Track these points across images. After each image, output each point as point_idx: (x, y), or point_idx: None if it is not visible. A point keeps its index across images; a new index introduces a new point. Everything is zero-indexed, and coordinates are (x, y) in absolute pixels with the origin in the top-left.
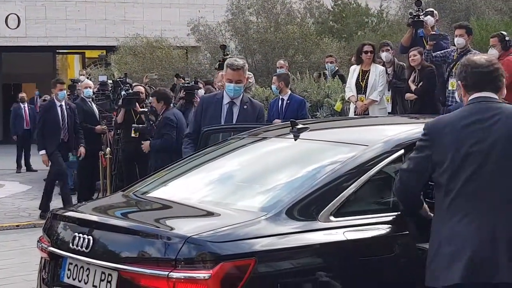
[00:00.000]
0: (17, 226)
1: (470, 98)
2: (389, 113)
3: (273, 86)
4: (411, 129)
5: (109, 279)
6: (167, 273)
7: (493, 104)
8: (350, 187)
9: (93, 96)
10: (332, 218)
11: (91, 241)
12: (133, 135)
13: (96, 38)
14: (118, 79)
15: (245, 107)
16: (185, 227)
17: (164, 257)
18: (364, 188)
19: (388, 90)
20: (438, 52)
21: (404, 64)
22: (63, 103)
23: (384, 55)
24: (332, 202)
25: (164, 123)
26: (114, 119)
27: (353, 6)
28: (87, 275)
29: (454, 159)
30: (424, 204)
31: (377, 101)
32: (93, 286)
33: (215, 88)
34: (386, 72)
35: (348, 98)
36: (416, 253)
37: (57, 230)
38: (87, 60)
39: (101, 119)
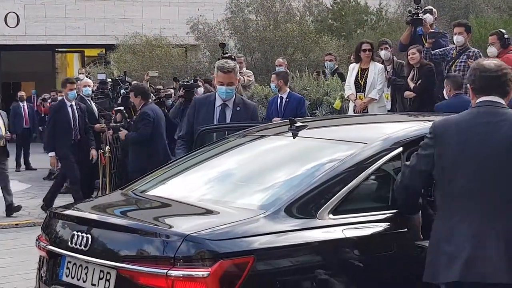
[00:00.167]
0: (16, 225)
1: (477, 101)
2: (388, 110)
3: (272, 84)
4: (409, 126)
5: (108, 277)
6: (165, 271)
7: (499, 109)
8: (349, 185)
9: (92, 95)
10: (330, 216)
11: (90, 240)
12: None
13: (96, 36)
14: (117, 78)
15: (238, 108)
16: (184, 225)
17: (162, 255)
18: (362, 186)
19: (388, 88)
20: (437, 50)
21: (403, 62)
22: (73, 103)
23: (382, 53)
24: (331, 200)
25: (141, 117)
26: (113, 117)
27: (352, 4)
28: (86, 274)
29: (457, 160)
30: (422, 204)
31: (376, 99)
32: (92, 284)
33: (214, 87)
34: (386, 70)
35: (347, 96)
36: (415, 251)
37: (56, 228)
38: (87, 58)
39: (100, 117)
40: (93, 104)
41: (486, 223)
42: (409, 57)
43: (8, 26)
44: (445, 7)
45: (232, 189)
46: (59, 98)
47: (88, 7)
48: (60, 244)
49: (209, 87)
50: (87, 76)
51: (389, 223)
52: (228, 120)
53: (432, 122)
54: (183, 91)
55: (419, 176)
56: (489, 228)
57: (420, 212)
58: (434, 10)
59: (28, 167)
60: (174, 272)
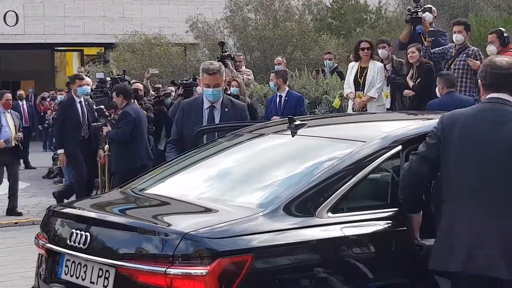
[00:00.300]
0: (15, 223)
1: (486, 97)
2: (387, 109)
3: (271, 83)
4: (408, 125)
5: (107, 275)
6: (164, 269)
7: (506, 107)
8: (348, 183)
9: (91, 93)
10: (329, 214)
11: (89, 238)
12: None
13: (95, 35)
14: (116, 76)
15: (226, 109)
16: (183, 224)
17: (161, 253)
18: (361, 184)
19: (387, 86)
20: (437, 49)
21: (403, 61)
22: (82, 99)
23: (380, 52)
24: (330, 198)
25: (122, 117)
26: (112, 116)
27: (352, 3)
28: (85, 272)
29: (459, 156)
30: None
31: (375, 98)
32: (91, 282)
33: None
34: (385, 69)
35: (346, 95)
36: (414, 249)
37: (55, 226)
38: (86, 57)
39: (99, 116)
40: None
41: (487, 221)
42: (408, 55)
43: (7, 25)
44: (444, 6)
45: (231, 187)
46: (59, 96)
47: (87, 5)
48: (59, 242)
49: None
50: (86, 75)
51: (388, 222)
52: (217, 122)
53: (441, 115)
54: (182, 89)
55: (427, 163)
56: (490, 226)
57: (421, 211)
58: (434, 8)
59: (28, 165)
60: (172, 270)
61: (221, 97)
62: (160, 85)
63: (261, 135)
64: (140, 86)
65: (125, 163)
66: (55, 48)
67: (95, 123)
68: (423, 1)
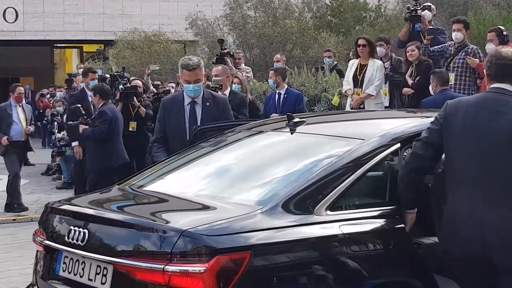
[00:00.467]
0: (14, 220)
1: (489, 87)
2: (386, 107)
3: (270, 81)
4: (407, 123)
5: (105, 272)
6: (162, 266)
7: (507, 97)
8: (346, 181)
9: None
10: (328, 211)
11: (87, 235)
12: (130, 129)
13: (94, 32)
14: (116, 73)
15: (207, 104)
16: (181, 221)
17: (159, 250)
18: (360, 182)
19: (385, 84)
20: (436, 47)
21: (402, 58)
22: (92, 93)
23: (378, 50)
24: (328, 196)
25: (99, 116)
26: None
27: (351, 0)
28: (83, 269)
29: (461, 145)
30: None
31: (373, 95)
32: (89, 279)
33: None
34: (384, 67)
35: (345, 92)
36: (412, 247)
37: (53, 223)
38: (85, 54)
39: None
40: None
41: (489, 210)
42: (408, 53)
43: (7, 22)
44: (444, 4)
45: (229, 184)
46: (58, 93)
47: (87, 2)
48: (57, 239)
49: (207, 82)
50: None
51: (386, 219)
52: (199, 117)
53: (446, 102)
54: (181, 87)
55: (430, 148)
56: (492, 215)
57: (416, 209)
58: (433, 6)
59: (26, 162)
60: (171, 268)
61: (202, 92)
62: (159, 82)
63: (260, 132)
64: (139, 83)
65: (101, 162)
66: (55, 45)
67: (71, 122)
68: None
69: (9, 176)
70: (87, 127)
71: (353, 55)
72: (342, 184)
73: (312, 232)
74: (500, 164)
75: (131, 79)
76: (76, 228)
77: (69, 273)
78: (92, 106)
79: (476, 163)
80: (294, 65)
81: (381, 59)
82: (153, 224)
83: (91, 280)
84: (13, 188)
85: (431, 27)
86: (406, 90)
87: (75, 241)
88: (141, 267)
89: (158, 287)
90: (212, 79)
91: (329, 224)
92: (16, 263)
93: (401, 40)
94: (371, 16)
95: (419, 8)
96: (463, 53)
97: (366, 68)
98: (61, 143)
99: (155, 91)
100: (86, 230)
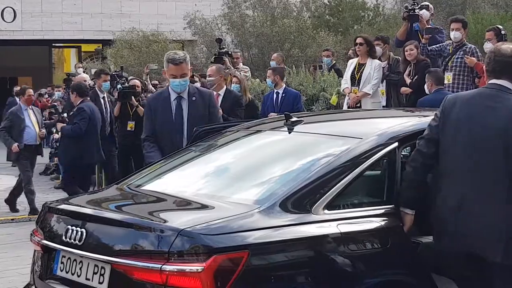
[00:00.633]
0: (12, 220)
1: (488, 82)
2: (383, 106)
3: (268, 80)
4: (405, 122)
5: (102, 272)
6: (160, 266)
7: (502, 94)
8: (344, 180)
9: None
10: (325, 210)
11: (84, 234)
12: (128, 128)
13: (92, 31)
14: (114, 73)
15: (193, 98)
16: (179, 220)
17: (157, 250)
18: (358, 181)
19: (382, 83)
20: (434, 46)
21: (399, 58)
22: (105, 95)
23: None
24: (326, 195)
25: (77, 113)
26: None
27: (350, 0)
28: (80, 268)
29: (453, 138)
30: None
31: (369, 94)
32: (86, 279)
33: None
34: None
35: (343, 90)
36: (410, 246)
37: (50, 223)
38: (84, 54)
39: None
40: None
41: (478, 202)
42: (406, 53)
43: (5, 21)
44: (442, 3)
45: (227, 183)
46: (56, 93)
47: (85, 2)
48: (55, 239)
49: (205, 82)
50: (84, 71)
51: (384, 218)
52: (185, 112)
53: (445, 97)
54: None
55: (432, 145)
56: (480, 208)
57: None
58: (431, 6)
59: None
60: (168, 267)
61: (187, 87)
62: (156, 82)
63: (258, 131)
64: (137, 82)
65: (74, 158)
66: (53, 44)
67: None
68: None
69: (23, 183)
70: (64, 124)
71: (353, 54)
72: (339, 183)
73: (309, 231)
74: (488, 159)
75: (129, 78)
76: (74, 228)
77: (67, 272)
78: (104, 108)
79: (467, 156)
80: (292, 64)
81: (379, 59)
82: (151, 224)
83: (88, 279)
84: (29, 196)
85: (429, 26)
86: (404, 89)
87: (72, 240)
88: (138, 267)
89: (155, 287)
90: (206, 79)
91: (326, 223)
92: (14, 263)
93: (399, 39)
94: (370, 15)
95: (417, 7)
96: (461, 52)
97: (364, 67)
98: (59, 143)
99: (154, 90)
100: (83, 230)
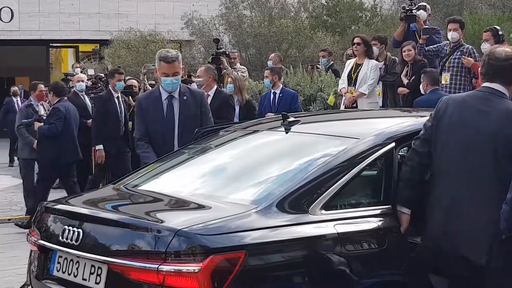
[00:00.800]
0: (9, 220)
1: (481, 85)
2: (380, 107)
3: (267, 80)
4: (402, 122)
5: (99, 272)
6: (157, 266)
7: (494, 98)
8: (341, 180)
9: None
10: (323, 211)
11: (81, 234)
12: None
13: (90, 31)
14: None
15: (184, 98)
16: (176, 220)
17: (154, 250)
18: (355, 181)
19: (377, 83)
20: (431, 46)
21: (396, 58)
22: (119, 95)
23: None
24: (323, 195)
25: (53, 113)
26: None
27: (347, 0)
28: (77, 268)
29: (445, 140)
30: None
31: (365, 94)
32: (83, 279)
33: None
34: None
35: (340, 90)
36: (407, 247)
37: (47, 223)
38: (81, 54)
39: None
40: (87, 100)
41: (467, 204)
42: (404, 53)
43: (2, 21)
44: (439, 4)
45: (224, 184)
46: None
47: (83, 2)
48: (51, 239)
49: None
50: (81, 71)
51: (381, 219)
52: (176, 111)
53: (440, 98)
54: None
55: (427, 144)
56: (468, 210)
57: (410, 210)
58: (428, 6)
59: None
60: (165, 267)
61: (179, 87)
62: (153, 82)
63: (255, 131)
64: (135, 82)
65: (50, 157)
66: (50, 44)
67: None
68: None
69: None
70: (41, 124)
71: (352, 54)
72: (336, 184)
73: (306, 231)
74: (480, 162)
75: (126, 78)
76: (71, 228)
77: (63, 272)
78: (118, 108)
79: (459, 158)
80: (290, 64)
81: (377, 59)
82: (148, 224)
83: (85, 280)
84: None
85: (426, 26)
86: (401, 89)
87: (69, 240)
88: (135, 267)
89: (152, 287)
90: (195, 80)
91: (323, 224)
92: (11, 263)
93: (396, 40)
94: (367, 16)
95: (414, 8)
96: (459, 53)
97: (361, 67)
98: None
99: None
100: (80, 230)
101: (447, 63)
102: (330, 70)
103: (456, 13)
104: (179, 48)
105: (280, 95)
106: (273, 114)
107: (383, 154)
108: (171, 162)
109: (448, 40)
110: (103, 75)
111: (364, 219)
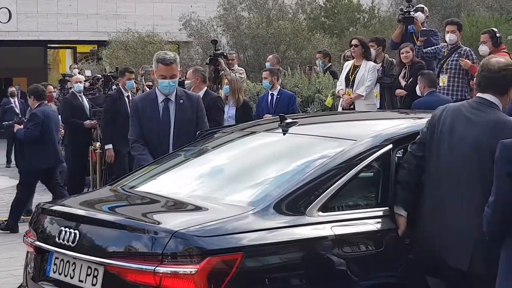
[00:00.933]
0: (5, 221)
1: (475, 95)
2: (377, 109)
3: (265, 81)
4: (399, 124)
5: (95, 273)
6: (153, 267)
7: (484, 107)
8: (338, 182)
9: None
10: (320, 212)
11: (78, 236)
12: None
13: (88, 32)
14: (109, 74)
15: (181, 101)
16: (172, 222)
17: (150, 251)
18: (352, 183)
19: (374, 85)
20: (429, 48)
21: (394, 60)
22: (129, 94)
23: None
24: (320, 197)
25: (30, 118)
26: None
27: (345, 2)
28: (73, 270)
29: (437, 148)
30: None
31: (362, 96)
32: (79, 281)
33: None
34: None
35: (337, 92)
36: (404, 249)
37: (44, 224)
38: (79, 54)
39: (92, 114)
40: (85, 100)
41: (456, 214)
42: (402, 55)
43: (0, 22)
44: (437, 6)
45: (221, 185)
46: (54, 94)
47: (81, 3)
48: (48, 240)
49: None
50: (79, 72)
51: (378, 220)
52: (172, 114)
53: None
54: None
55: (424, 147)
56: (458, 220)
57: (407, 212)
58: (426, 8)
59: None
60: (162, 269)
61: (175, 89)
62: (150, 83)
63: (252, 133)
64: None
65: (32, 162)
66: (48, 45)
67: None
68: (415, 1)
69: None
70: (21, 127)
71: (350, 55)
72: (334, 185)
73: (304, 233)
74: (464, 168)
75: None
76: (67, 229)
77: (60, 274)
78: (128, 106)
79: (445, 164)
80: (288, 66)
81: (375, 61)
82: (144, 225)
83: (81, 281)
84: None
85: (424, 28)
86: (399, 91)
87: (65, 242)
88: (132, 268)
89: None
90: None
91: (321, 225)
92: (8, 264)
93: (394, 42)
94: (365, 17)
95: (412, 10)
96: (456, 55)
97: (359, 69)
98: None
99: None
100: (77, 231)
101: (444, 65)
102: (328, 71)
103: (453, 15)
104: (177, 50)
105: (278, 96)
106: (271, 115)
107: (380, 156)
108: (168, 163)
109: (445, 42)
110: (101, 76)
111: (361, 221)
